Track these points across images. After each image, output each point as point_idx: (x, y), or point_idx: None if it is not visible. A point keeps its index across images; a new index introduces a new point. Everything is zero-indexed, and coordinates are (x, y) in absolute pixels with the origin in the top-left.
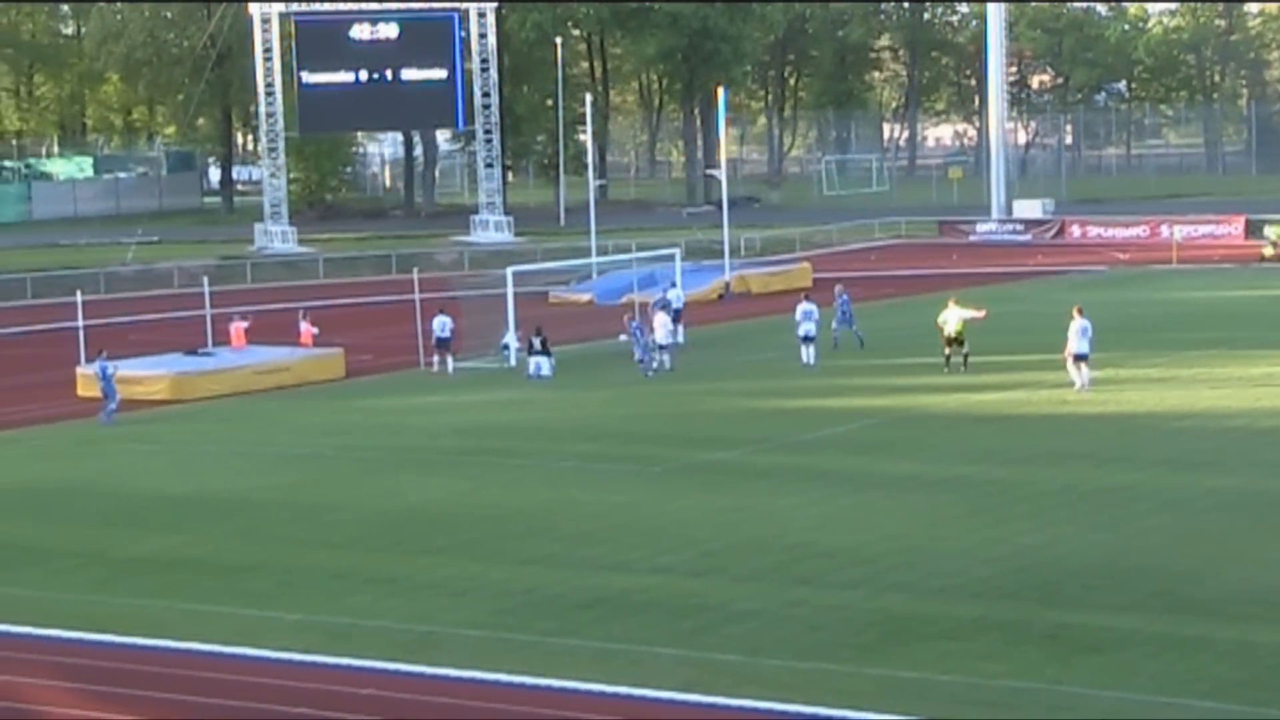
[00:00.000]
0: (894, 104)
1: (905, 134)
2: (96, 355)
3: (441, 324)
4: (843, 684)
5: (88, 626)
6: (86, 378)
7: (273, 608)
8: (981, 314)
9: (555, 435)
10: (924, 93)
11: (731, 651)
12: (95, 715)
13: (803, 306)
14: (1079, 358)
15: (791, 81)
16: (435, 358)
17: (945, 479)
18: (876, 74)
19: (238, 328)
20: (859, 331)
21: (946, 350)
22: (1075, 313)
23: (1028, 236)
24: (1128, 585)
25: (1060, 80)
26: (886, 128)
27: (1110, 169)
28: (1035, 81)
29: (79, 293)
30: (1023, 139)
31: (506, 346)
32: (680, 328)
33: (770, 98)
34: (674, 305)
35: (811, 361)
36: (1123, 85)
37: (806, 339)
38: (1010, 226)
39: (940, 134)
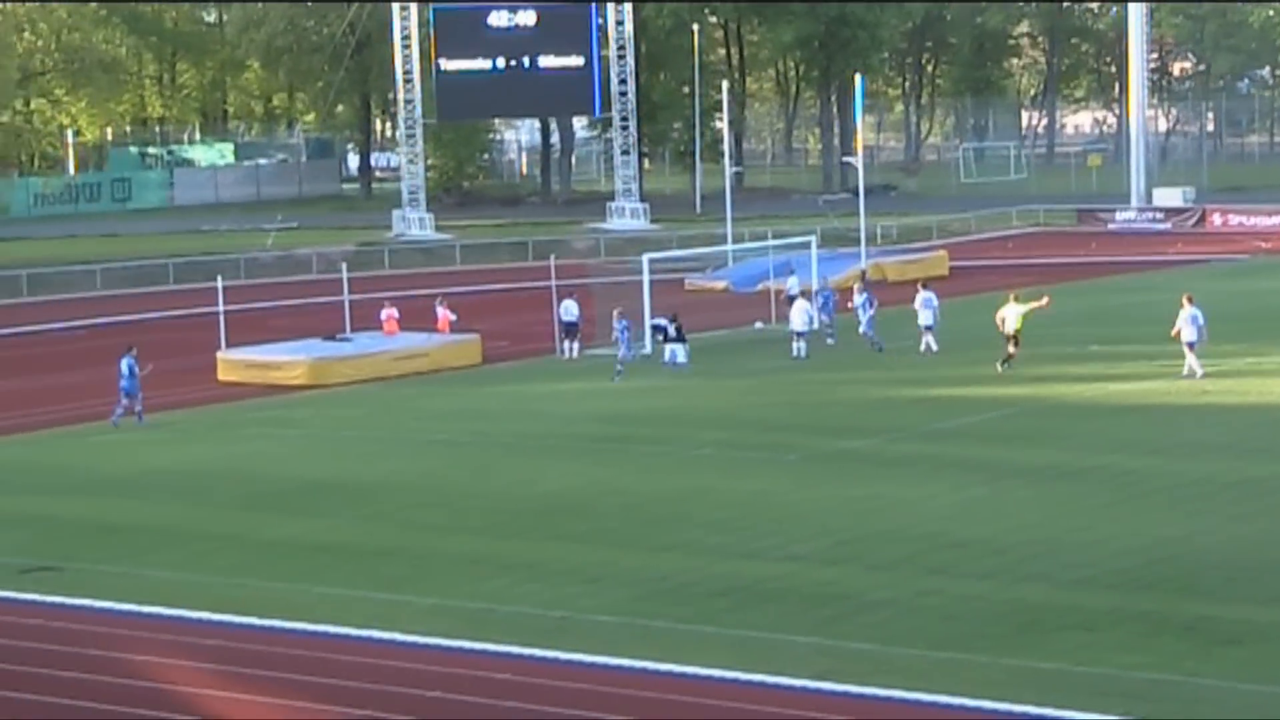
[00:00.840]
0: (1032, 91)
1: (1044, 121)
2: (125, 351)
3: (566, 308)
4: (978, 674)
5: (226, 609)
6: (228, 363)
7: (408, 592)
8: (1045, 302)
9: (690, 423)
10: (1063, 80)
11: (866, 640)
12: (233, 696)
13: (921, 295)
14: (1188, 346)
15: (929, 68)
16: (566, 343)
17: (1083, 469)
18: (1015, 61)
19: (389, 315)
20: (877, 339)
21: (1010, 348)
22: (1185, 301)
23: (1168, 225)
24: (1269, 578)
25: (1202, 67)
26: (1025, 115)
27: (1253, 157)
28: (1176, 68)
29: (220, 278)
30: (1163, 126)
31: (657, 326)
32: (815, 314)
33: (907, 85)
34: (789, 292)
35: (933, 349)
36: (1266, 72)
37: (927, 328)
38: (1150, 215)
39: (1079, 121)
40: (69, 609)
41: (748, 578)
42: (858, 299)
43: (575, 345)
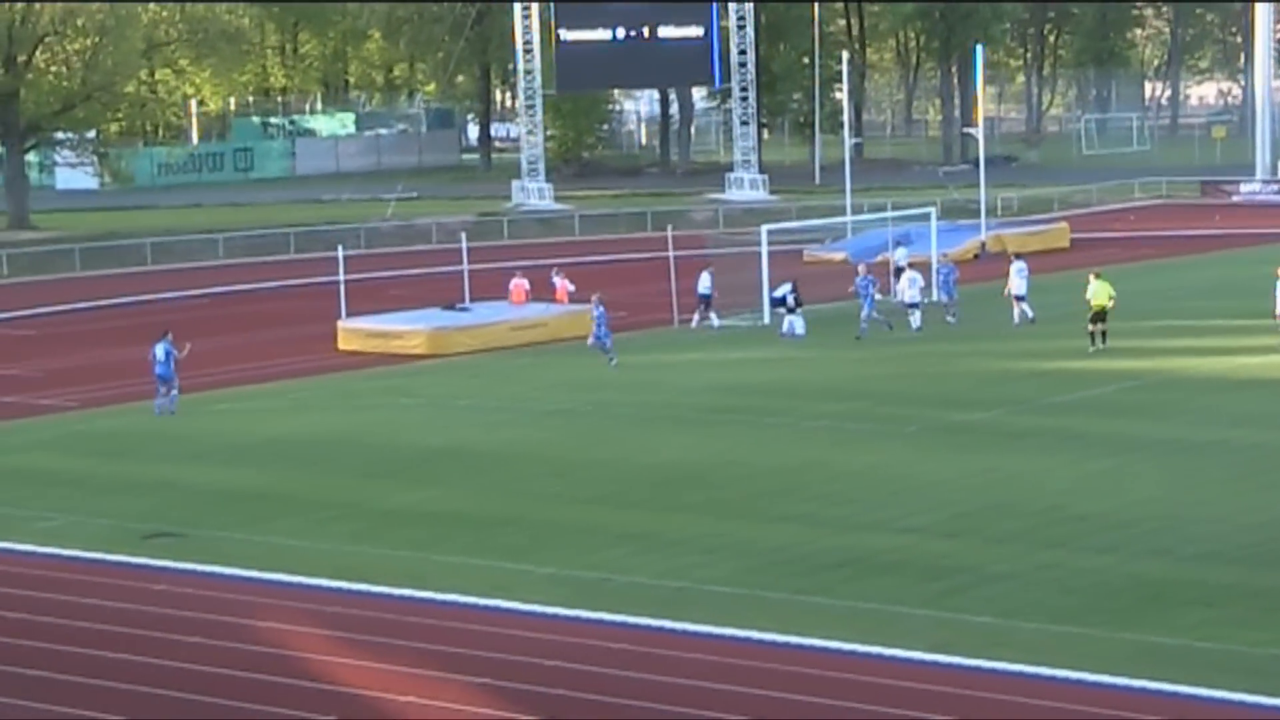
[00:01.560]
0: (1156, 62)
1: (1167, 92)
2: (160, 336)
3: (703, 280)
4: (1097, 649)
5: (346, 576)
6: (347, 332)
7: (526, 561)
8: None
9: (807, 394)
10: (1187, 50)
11: (983, 613)
12: (352, 663)
13: (1015, 264)
14: None
15: (1051, 39)
16: (699, 314)
17: (1205, 443)
18: (1138, 31)
19: (518, 285)
20: (937, 304)
21: (1091, 327)
22: (1278, 273)
23: None
24: None
25: None
26: (1148, 86)
27: None
28: None
29: (340, 248)
30: None
31: (777, 299)
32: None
33: (1029, 55)
34: (897, 264)
35: (1030, 317)
36: None
37: (1018, 298)
38: (1275, 187)
39: (1204, 92)
40: (192, 575)
41: (864, 550)
42: (938, 276)
43: (707, 316)
